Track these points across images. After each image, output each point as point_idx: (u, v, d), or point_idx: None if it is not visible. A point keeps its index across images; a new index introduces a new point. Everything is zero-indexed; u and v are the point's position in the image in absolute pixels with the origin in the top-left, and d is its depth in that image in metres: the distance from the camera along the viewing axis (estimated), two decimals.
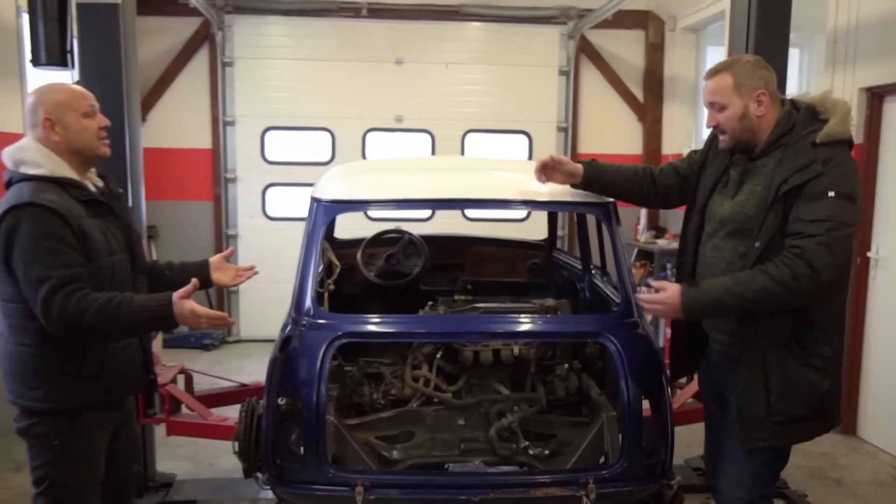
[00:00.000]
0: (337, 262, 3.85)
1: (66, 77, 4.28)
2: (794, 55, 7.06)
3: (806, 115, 2.73)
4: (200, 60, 8.21)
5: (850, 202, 2.59)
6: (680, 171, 3.18)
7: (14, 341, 2.66)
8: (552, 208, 4.64)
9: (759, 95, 2.73)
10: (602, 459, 3.17)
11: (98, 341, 2.67)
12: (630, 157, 8.64)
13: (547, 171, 3.22)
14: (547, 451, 3.25)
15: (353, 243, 4.79)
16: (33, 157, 2.64)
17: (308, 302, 3.15)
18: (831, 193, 2.56)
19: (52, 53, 4.16)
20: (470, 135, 8.51)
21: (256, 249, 8.34)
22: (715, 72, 2.81)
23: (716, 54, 8.09)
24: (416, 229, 4.84)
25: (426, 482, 3.02)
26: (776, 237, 2.64)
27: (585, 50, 8.55)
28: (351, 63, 8.24)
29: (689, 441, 4.77)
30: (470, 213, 8.34)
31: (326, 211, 3.33)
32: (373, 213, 7.20)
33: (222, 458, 5.13)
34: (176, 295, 2.53)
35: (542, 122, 8.57)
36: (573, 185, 3.27)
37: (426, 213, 8.13)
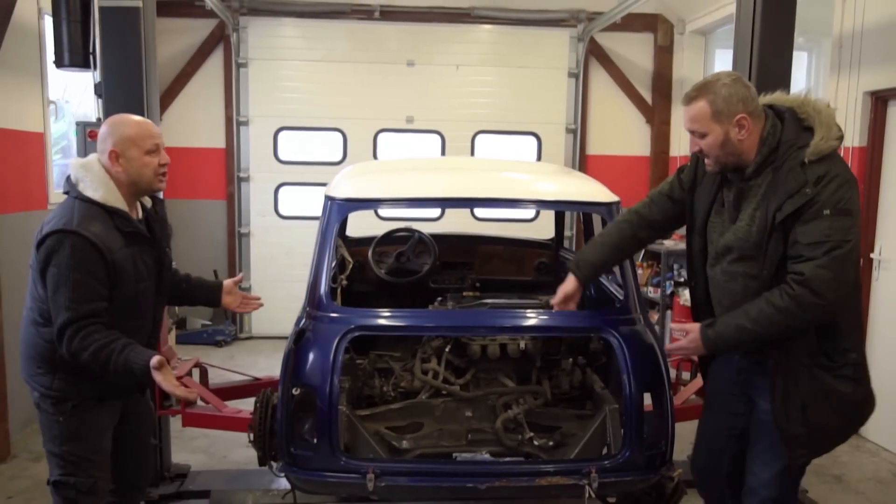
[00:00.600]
0: (350, 259, 3.95)
1: (89, 79, 4.42)
2: (802, 58, 7.15)
3: (791, 126, 2.67)
4: (215, 61, 8.32)
5: (846, 216, 2.55)
6: (674, 197, 3.12)
7: (34, 332, 2.92)
8: (559, 208, 4.75)
9: (739, 120, 2.64)
10: (604, 451, 3.28)
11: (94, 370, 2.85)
12: (638, 158, 8.72)
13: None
14: (551, 443, 3.36)
15: (365, 241, 4.89)
16: (93, 181, 2.85)
17: (322, 296, 3.26)
18: (826, 212, 2.53)
19: (74, 55, 4.30)
20: (480, 136, 8.59)
21: (268, 248, 8.50)
22: (691, 98, 2.71)
23: (724, 57, 8.15)
24: (426, 229, 4.93)
25: (435, 470, 3.13)
26: (783, 260, 2.63)
27: (595, 52, 8.62)
28: (363, 64, 8.34)
29: (691, 437, 4.84)
30: (479, 213, 8.44)
31: (340, 209, 3.44)
32: (383, 212, 7.34)
33: (235, 451, 5.25)
34: (152, 364, 2.69)
35: (551, 123, 8.63)
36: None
37: (436, 212, 8.24)
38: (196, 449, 5.28)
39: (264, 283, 8.49)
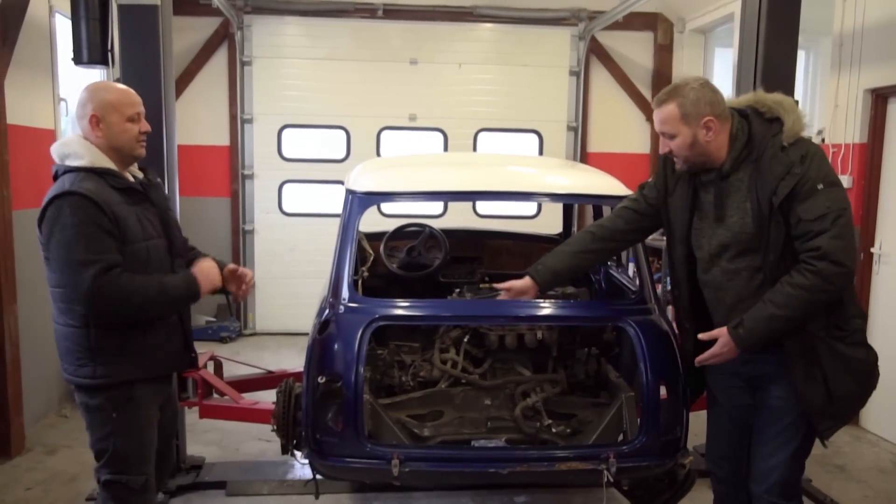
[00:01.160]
0: (370, 251, 4.02)
1: (107, 76, 4.47)
2: (800, 57, 7.23)
3: (757, 120, 2.79)
4: (220, 59, 8.37)
5: (837, 187, 2.68)
6: (640, 210, 3.22)
7: (62, 322, 2.87)
8: (572, 200, 4.85)
9: (706, 122, 2.75)
10: (620, 437, 3.36)
11: (140, 318, 2.88)
12: (638, 155, 8.82)
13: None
14: (569, 430, 3.44)
15: (375, 237, 4.95)
16: (76, 149, 2.83)
17: (346, 288, 3.33)
18: (820, 186, 2.64)
19: (93, 52, 4.36)
20: (482, 133, 8.67)
21: (272, 245, 8.56)
22: (661, 102, 2.83)
23: (723, 55, 8.26)
24: (432, 224, 4.99)
25: (458, 456, 3.21)
26: (787, 243, 2.70)
27: (595, 51, 8.71)
28: (366, 63, 8.41)
29: (698, 430, 4.94)
30: (481, 209, 8.54)
31: (362, 202, 3.51)
32: (386, 208, 7.41)
33: (247, 443, 5.33)
34: (195, 269, 2.96)
35: (552, 121, 8.72)
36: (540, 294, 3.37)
37: (439, 208, 8.33)
38: (209, 442, 5.34)
39: (268, 279, 8.56)
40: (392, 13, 8.36)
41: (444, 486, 4.22)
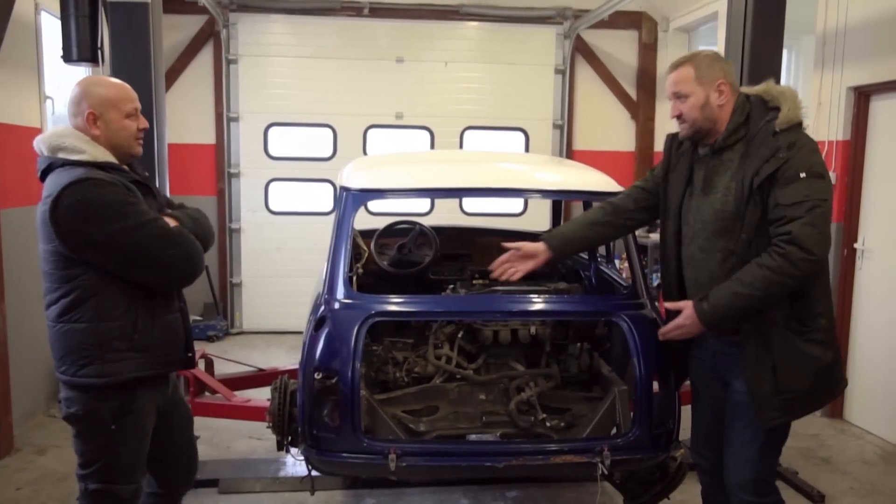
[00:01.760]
0: (365, 248, 4.03)
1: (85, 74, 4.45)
2: (783, 55, 7.33)
3: (758, 106, 2.86)
4: (205, 57, 8.34)
5: (821, 178, 2.71)
6: (647, 188, 3.28)
7: (66, 319, 2.66)
8: (565, 197, 4.89)
9: (719, 85, 2.85)
10: (613, 431, 3.40)
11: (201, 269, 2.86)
12: (624, 153, 8.90)
13: (510, 265, 3.30)
14: (563, 424, 3.47)
15: (365, 234, 4.95)
16: (73, 142, 2.63)
17: (341, 284, 3.34)
18: (803, 174, 2.67)
19: (83, 49, 4.35)
20: (468, 132, 8.70)
21: (259, 243, 8.54)
22: (677, 65, 2.94)
23: None
24: (421, 221, 5.01)
25: (454, 450, 3.23)
26: (761, 226, 2.74)
27: (581, 49, 8.77)
28: (352, 61, 8.41)
29: (685, 423, 5.00)
30: (469, 207, 8.56)
31: (356, 199, 3.52)
32: (373, 206, 7.40)
33: (238, 441, 5.32)
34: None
35: (538, 119, 8.76)
36: (548, 264, 3.37)
37: (426, 206, 8.34)
38: (200, 440, 5.31)
39: (255, 278, 8.54)
40: (378, 11, 8.37)
41: (440, 481, 4.25)
